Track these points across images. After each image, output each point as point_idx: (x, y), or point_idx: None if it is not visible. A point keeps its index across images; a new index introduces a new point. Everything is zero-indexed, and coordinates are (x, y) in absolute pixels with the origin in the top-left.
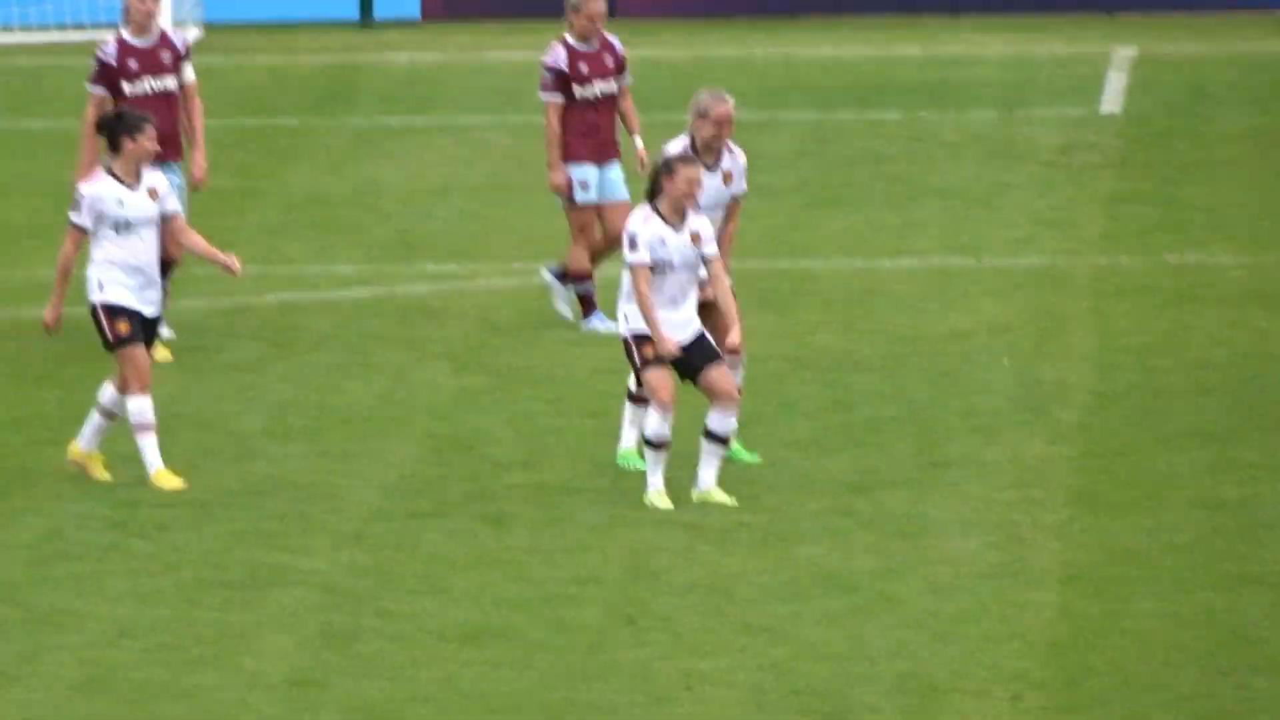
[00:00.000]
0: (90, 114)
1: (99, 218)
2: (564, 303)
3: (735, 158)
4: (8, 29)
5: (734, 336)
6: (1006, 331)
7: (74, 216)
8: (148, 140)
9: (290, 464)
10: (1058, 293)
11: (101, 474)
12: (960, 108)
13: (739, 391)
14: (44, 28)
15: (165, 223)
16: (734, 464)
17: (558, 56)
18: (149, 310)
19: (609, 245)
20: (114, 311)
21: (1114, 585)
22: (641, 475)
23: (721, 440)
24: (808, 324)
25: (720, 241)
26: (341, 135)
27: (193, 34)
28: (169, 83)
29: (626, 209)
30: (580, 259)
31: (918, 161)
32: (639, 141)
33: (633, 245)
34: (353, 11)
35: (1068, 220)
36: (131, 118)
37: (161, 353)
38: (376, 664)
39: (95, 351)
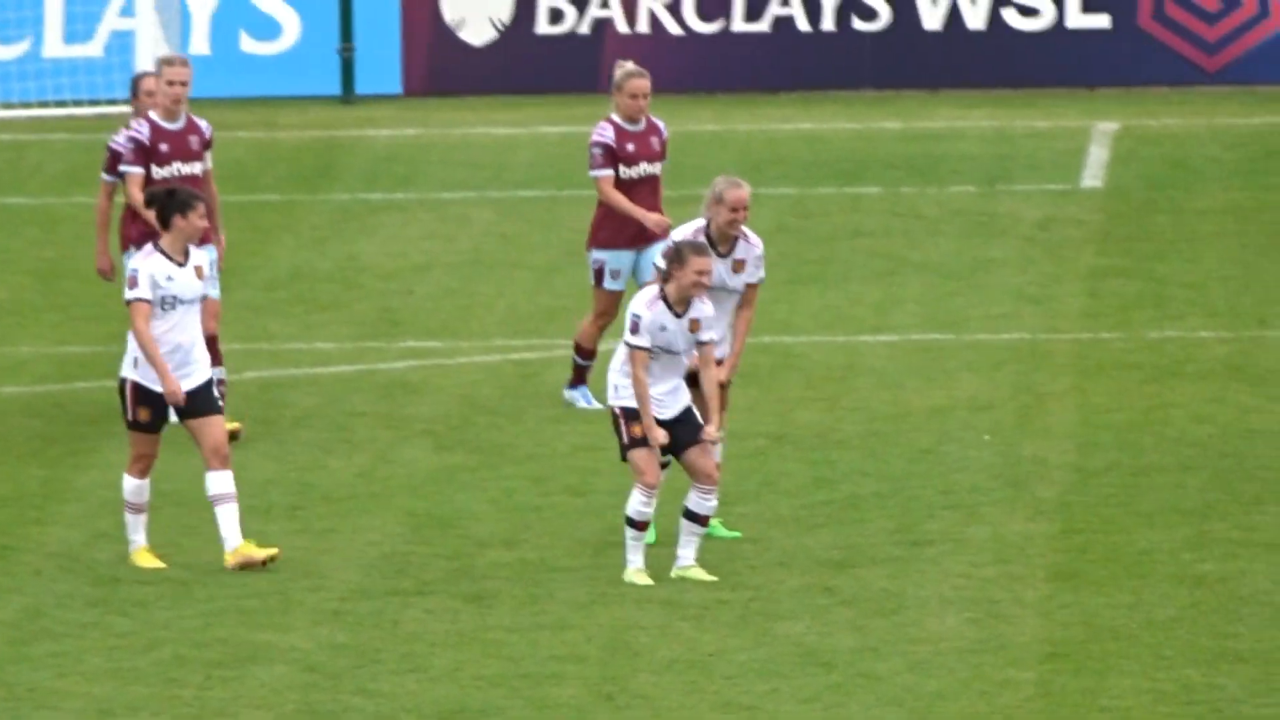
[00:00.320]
0: (134, 194)
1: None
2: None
3: (751, 246)
4: None
5: (710, 430)
6: (987, 408)
7: (132, 293)
8: (198, 218)
9: (271, 541)
10: (1038, 369)
11: (264, 551)
12: (941, 183)
13: (717, 469)
14: (25, 104)
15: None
16: (715, 540)
17: (606, 134)
18: (188, 384)
19: None
20: (142, 395)
21: (1094, 662)
22: (622, 553)
23: (700, 520)
24: (789, 400)
25: (737, 327)
26: (324, 211)
27: None
28: (195, 168)
29: None
30: (590, 338)
31: (898, 237)
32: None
33: (634, 329)
34: (335, 87)
35: (1049, 295)
36: (184, 195)
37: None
38: None
39: (79, 430)
